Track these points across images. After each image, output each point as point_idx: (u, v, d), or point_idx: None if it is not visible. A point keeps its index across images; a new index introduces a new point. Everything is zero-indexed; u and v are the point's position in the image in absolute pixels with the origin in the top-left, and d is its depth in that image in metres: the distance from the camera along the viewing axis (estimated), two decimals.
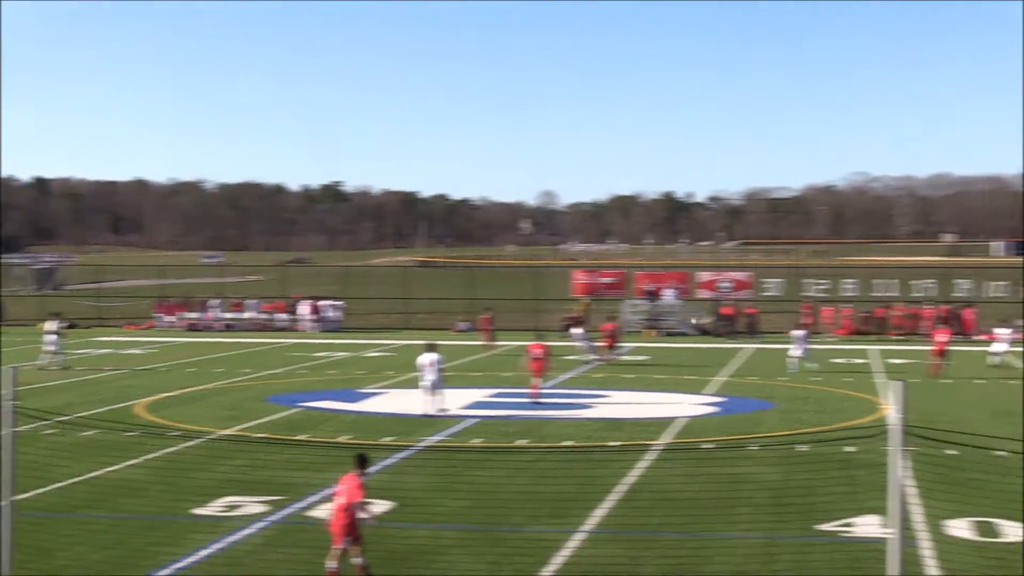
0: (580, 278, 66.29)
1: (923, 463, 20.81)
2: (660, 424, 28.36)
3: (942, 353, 39.11)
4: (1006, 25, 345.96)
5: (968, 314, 55.86)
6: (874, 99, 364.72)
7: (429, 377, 30.39)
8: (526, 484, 20.71)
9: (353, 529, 14.52)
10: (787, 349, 41.80)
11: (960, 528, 17.60)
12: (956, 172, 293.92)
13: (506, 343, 49.33)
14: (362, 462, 14.88)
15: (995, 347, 41.33)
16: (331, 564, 14.55)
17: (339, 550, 14.52)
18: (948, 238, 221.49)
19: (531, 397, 32.58)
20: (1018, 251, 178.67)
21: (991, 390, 35.50)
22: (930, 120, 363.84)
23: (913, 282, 61.60)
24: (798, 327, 41.97)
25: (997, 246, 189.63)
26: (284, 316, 64.21)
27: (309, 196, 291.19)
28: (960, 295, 59.66)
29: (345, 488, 14.61)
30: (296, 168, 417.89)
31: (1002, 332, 41.67)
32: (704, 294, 62.86)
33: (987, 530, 17.57)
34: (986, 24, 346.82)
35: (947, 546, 16.65)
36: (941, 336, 40.00)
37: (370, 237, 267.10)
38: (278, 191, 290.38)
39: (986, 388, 36.00)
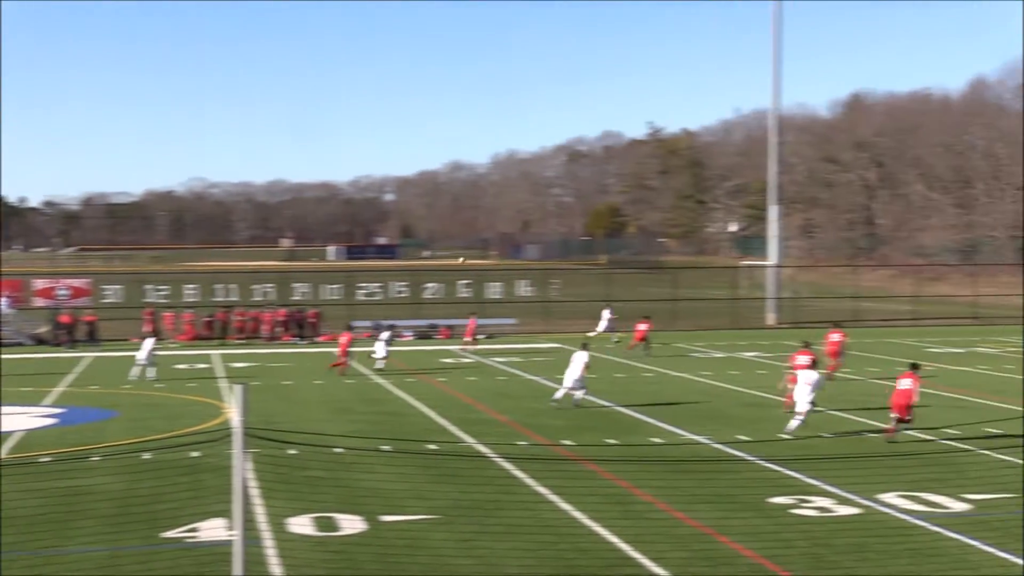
0: None
1: (265, 463, 21.28)
2: None
3: (345, 352, 40.73)
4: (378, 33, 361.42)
5: (311, 316, 57.87)
6: (220, 106, 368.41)
7: None
8: None
9: None
10: (131, 356, 41.11)
11: (302, 525, 18.13)
12: (291, 179, 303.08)
13: None
14: None
15: (377, 348, 42.66)
16: None
17: None
18: (286, 243, 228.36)
19: None
20: (349, 255, 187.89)
21: (330, 389, 36.91)
22: (265, 127, 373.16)
23: (254, 286, 62.78)
24: (148, 334, 41.43)
25: (331, 250, 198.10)
26: None
27: None
28: (298, 299, 61.52)
29: None
30: None
31: (384, 334, 43.42)
32: (40, 302, 60.42)
33: (327, 525, 18.23)
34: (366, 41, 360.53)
35: (290, 544, 17.09)
36: (343, 337, 41.68)
37: None
38: None
39: (324, 388, 37.37)
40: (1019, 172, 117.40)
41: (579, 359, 32.05)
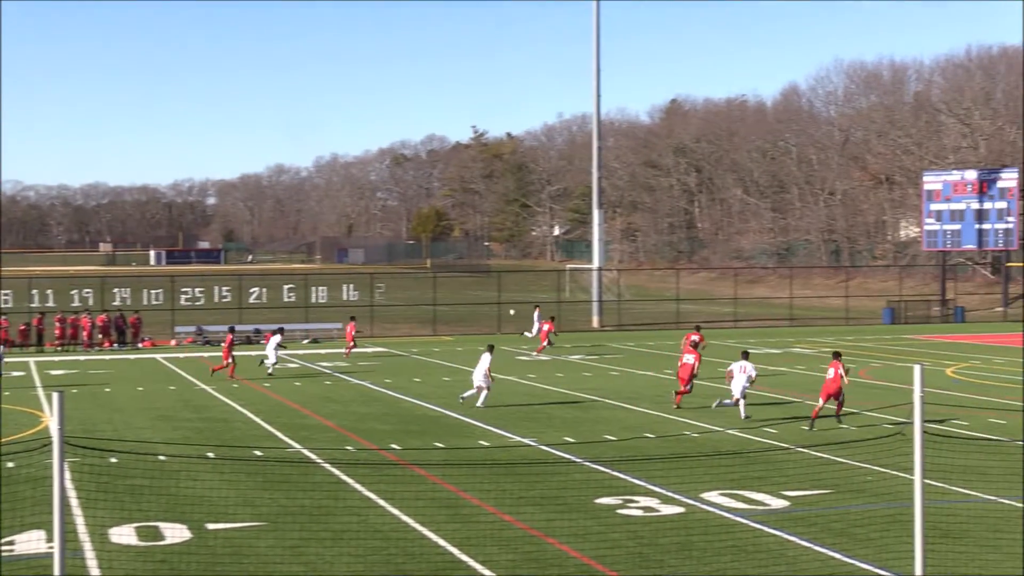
0: None
1: (85, 473, 20.77)
2: None
3: (228, 355, 40.45)
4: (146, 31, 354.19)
5: (133, 321, 56.62)
6: (32, 105, 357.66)
7: None
8: None
9: None
10: None
11: (124, 535, 17.76)
12: (110, 182, 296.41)
13: None
14: None
15: (270, 352, 41.73)
16: None
17: None
18: (106, 247, 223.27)
19: None
20: (171, 260, 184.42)
21: (153, 396, 36.17)
22: (80, 128, 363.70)
23: (72, 291, 61.06)
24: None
25: (153, 255, 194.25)
26: None
27: None
28: (118, 304, 60.02)
29: None
30: None
31: (275, 338, 42.44)
32: None
33: (151, 534, 17.88)
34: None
35: (111, 554, 16.72)
36: (225, 341, 41.67)
37: None
38: None
39: (146, 395, 36.62)
40: (831, 178, 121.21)
41: (485, 360, 32.61)
